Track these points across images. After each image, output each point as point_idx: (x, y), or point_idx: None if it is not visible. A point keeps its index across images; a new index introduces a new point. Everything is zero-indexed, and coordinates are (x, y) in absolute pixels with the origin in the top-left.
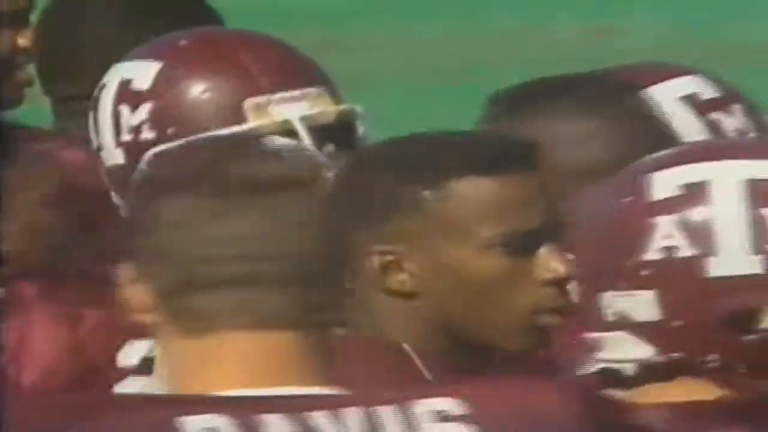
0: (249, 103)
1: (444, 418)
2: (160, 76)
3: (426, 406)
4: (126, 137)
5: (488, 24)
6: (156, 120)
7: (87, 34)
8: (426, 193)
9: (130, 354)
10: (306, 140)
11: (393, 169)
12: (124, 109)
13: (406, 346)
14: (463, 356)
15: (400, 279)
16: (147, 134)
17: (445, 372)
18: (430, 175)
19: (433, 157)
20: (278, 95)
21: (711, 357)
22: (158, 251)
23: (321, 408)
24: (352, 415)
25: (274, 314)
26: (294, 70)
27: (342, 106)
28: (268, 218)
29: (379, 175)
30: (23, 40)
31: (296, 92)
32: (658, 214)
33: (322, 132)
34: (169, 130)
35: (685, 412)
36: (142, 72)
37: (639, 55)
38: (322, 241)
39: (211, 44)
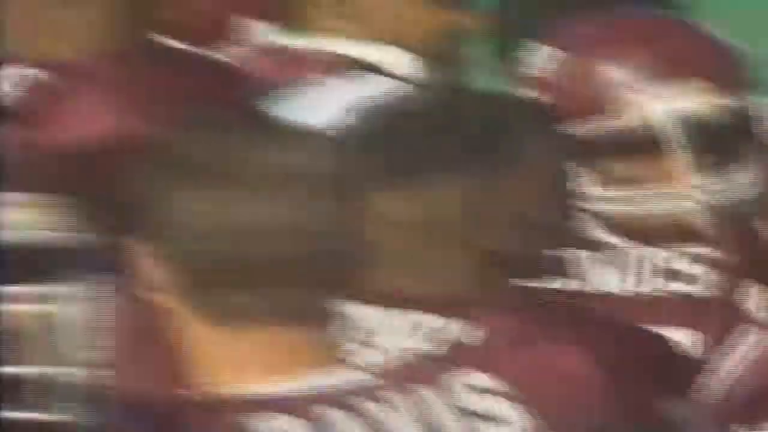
0: (624, 96)
1: (484, 392)
2: (552, 64)
3: (464, 380)
4: None
5: None
6: None
7: None
8: None
9: None
10: (676, 137)
11: None
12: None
13: None
14: None
15: None
16: None
17: None
18: None
19: None
20: (656, 89)
21: None
22: (190, 237)
23: (368, 395)
24: (395, 397)
25: (299, 309)
26: (677, 62)
27: (732, 101)
28: (293, 213)
29: None
30: None
31: (677, 86)
32: None
33: (703, 131)
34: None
35: None
36: (539, 57)
37: None
38: (342, 237)
39: (603, 31)
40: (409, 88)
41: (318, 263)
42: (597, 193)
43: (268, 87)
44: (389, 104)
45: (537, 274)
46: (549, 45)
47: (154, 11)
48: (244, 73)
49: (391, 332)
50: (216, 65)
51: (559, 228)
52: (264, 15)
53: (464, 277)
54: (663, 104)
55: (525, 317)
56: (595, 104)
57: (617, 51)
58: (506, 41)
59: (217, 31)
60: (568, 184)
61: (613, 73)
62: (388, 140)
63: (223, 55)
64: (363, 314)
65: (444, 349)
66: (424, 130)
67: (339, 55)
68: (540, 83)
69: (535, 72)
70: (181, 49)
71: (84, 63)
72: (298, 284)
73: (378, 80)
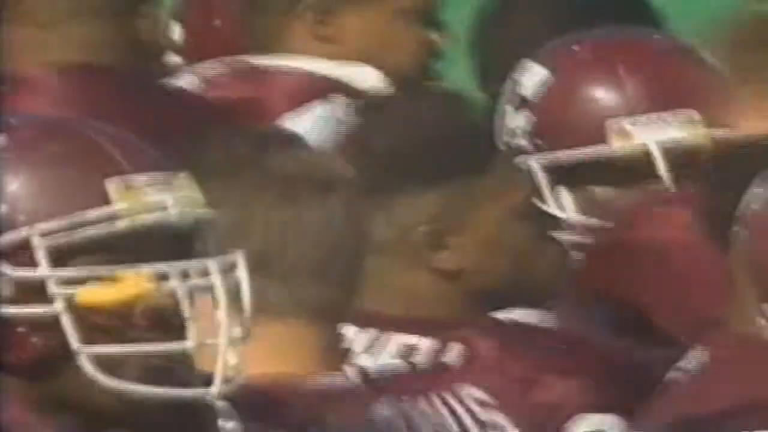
0: (612, 122)
1: (480, 404)
2: (544, 86)
3: (464, 392)
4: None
5: None
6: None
7: None
8: None
9: None
10: (661, 167)
11: None
12: (509, 110)
13: None
14: None
15: None
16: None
17: None
18: None
19: None
20: (645, 117)
21: None
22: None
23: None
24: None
25: (314, 306)
26: (668, 90)
27: (719, 132)
28: (313, 214)
29: None
30: None
31: (666, 114)
32: None
33: (687, 160)
34: (538, 141)
35: None
36: (530, 77)
37: None
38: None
39: (594, 54)
40: (384, 107)
41: (330, 264)
42: (575, 218)
43: (234, 110)
44: (362, 122)
45: (512, 301)
46: (539, 65)
47: (138, 33)
48: (205, 100)
49: (371, 351)
50: (175, 92)
51: (530, 254)
52: (245, 35)
53: (437, 301)
54: (651, 132)
55: (503, 339)
56: (583, 129)
57: (608, 76)
58: (488, 61)
59: (204, 52)
60: (540, 207)
61: (603, 98)
62: (362, 158)
63: (199, 75)
64: (347, 333)
65: (426, 367)
66: (395, 147)
67: (316, 75)
68: (528, 104)
69: (524, 92)
70: (144, 72)
71: (38, 77)
72: (313, 281)
73: (353, 100)
